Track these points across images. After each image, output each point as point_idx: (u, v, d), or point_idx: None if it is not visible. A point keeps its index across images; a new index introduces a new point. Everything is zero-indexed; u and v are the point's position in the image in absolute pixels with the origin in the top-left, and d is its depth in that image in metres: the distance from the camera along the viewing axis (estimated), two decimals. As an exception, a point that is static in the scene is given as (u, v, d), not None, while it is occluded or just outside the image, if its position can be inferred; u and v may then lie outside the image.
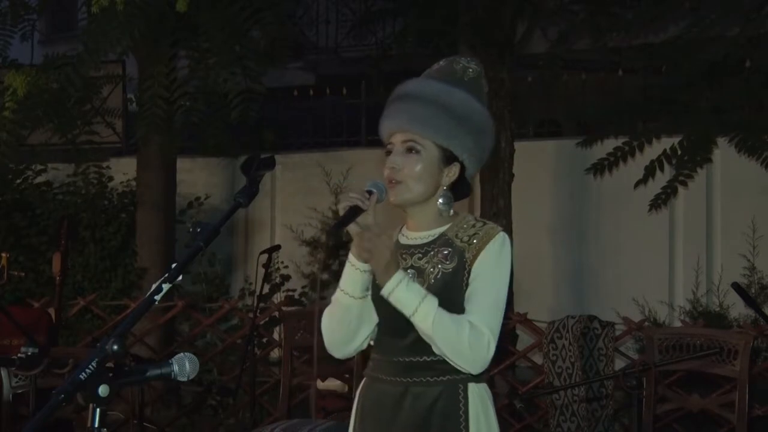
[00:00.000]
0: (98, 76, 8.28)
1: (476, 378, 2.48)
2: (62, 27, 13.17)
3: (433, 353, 2.43)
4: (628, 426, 6.32)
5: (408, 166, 2.47)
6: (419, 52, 9.71)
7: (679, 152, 7.50)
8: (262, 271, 6.10)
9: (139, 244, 8.12)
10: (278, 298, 8.23)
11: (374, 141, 10.13)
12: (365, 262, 2.44)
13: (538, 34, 8.30)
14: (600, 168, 7.75)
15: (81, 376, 1.88)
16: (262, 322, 6.92)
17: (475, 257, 2.45)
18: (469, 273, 2.45)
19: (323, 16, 12.06)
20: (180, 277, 2.09)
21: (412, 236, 2.56)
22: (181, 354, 2.06)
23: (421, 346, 2.44)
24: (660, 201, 7.57)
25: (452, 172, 2.51)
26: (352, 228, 2.42)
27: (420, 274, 2.48)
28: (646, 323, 6.96)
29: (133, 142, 8.82)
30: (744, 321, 7.32)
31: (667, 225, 8.23)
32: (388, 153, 2.52)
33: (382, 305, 2.51)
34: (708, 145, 7.55)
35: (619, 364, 6.58)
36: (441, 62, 2.63)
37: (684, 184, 7.53)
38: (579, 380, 5.80)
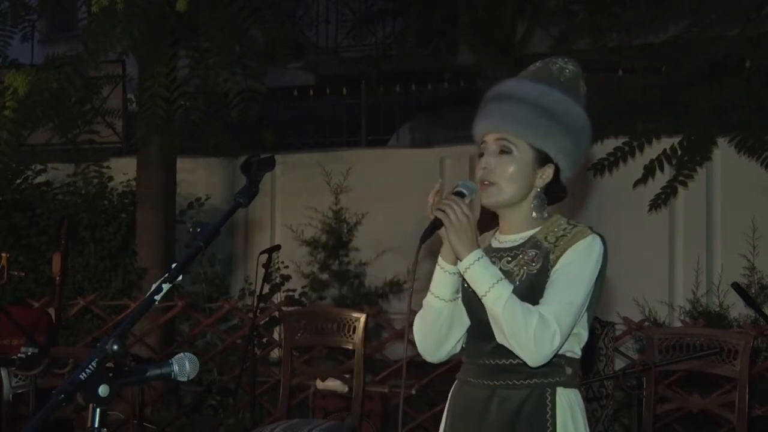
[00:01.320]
0: (98, 76, 8.28)
1: (566, 383, 2.44)
2: (62, 27, 13.17)
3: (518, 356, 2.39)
4: (628, 426, 6.32)
5: (501, 167, 2.43)
6: (419, 52, 9.72)
7: (679, 152, 7.50)
8: (262, 271, 6.10)
9: (139, 244, 8.12)
10: (278, 298, 8.23)
11: (374, 141, 10.13)
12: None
13: (538, 34, 8.29)
14: (600, 168, 7.75)
15: (81, 376, 1.88)
16: (262, 322, 6.92)
17: (558, 258, 2.40)
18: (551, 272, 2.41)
19: (323, 16, 12.06)
20: (180, 277, 2.09)
21: (504, 239, 2.52)
22: (181, 354, 2.06)
23: (507, 349, 2.39)
24: (660, 201, 7.57)
25: (546, 174, 2.46)
26: (442, 231, 2.39)
27: (508, 277, 2.41)
28: (646, 323, 6.95)
29: (133, 142, 8.82)
30: (744, 321, 7.32)
31: (667, 225, 8.22)
32: (481, 154, 2.48)
33: (471, 307, 2.49)
34: (708, 145, 7.55)
35: (619, 364, 6.57)
36: (537, 63, 2.59)
37: (684, 184, 7.53)
38: (579, 380, 5.79)
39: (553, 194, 2.51)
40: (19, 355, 4.11)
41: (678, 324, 7.47)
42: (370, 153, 9.29)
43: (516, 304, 2.32)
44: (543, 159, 2.45)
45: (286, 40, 8.16)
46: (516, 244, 2.49)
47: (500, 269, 2.43)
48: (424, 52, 9.59)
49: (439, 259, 2.47)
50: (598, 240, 2.42)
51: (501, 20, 7.63)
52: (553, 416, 2.41)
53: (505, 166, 2.43)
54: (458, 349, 2.57)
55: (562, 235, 2.43)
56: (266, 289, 7.01)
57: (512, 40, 7.76)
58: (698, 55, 7.33)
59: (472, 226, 2.36)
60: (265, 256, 6.07)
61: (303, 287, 8.49)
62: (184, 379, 2.05)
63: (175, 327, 8.11)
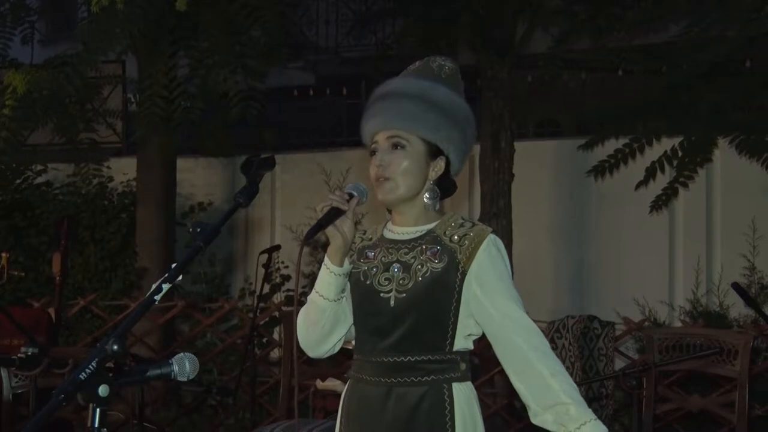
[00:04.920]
0: (98, 76, 8.28)
1: (461, 378, 2.47)
2: (62, 27, 13.16)
3: (417, 353, 2.43)
4: (628, 426, 6.32)
5: (395, 163, 2.47)
6: (419, 52, 9.71)
7: (680, 153, 7.49)
8: (262, 271, 6.10)
9: (139, 244, 8.12)
10: (278, 298, 8.23)
11: (374, 141, 9.88)
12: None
13: (538, 34, 8.28)
14: (601, 170, 7.73)
15: (81, 376, 1.88)
16: (262, 322, 6.92)
17: (469, 260, 2.44)
18: (463, 276, 2.44)
19: (323, 16, 12.05)
20: (180, 277, 2.09)
21: (399, 231, 2.55)
22: (181, 354, 2.06)
23: (406, 345, 2.43)
24: (660, 202, 7.55)
25: (438, 167, 2.50)
26: (330, 230, 2.42)
27: (406, 269, 2.46)
28: (646, 323, 6.96)
29: (133, 142, 8.82)
30: (744, 321, 7.32)
31: (667, 225, 8.23)
32: (372, 153, 2.52)
33: (365, 304, 2.50)
34: (708, 146, 7.54)
35: (619, 364, 6.57)
36: (416, 63, 2.63)
37: (685, 185, 7.52)
38: (579, 380, 5.78)
39: (444, 189, 2.54)
40: (19, 355, 4.10)
41: (678, 324, 7.47)
42: (370, 153, 9.29)
43: (571, 392, 2.65)
44: (435, 152, 2.49)
45: (287, 39, 8.16)
46: (413, 236, 2.52)
47: (398, 260, 2.48)
48: (424, 52, 9.58)
49: (326, 258, 2.49)
50: (498, 239, 2.50)
51: (501, 20, 7.62)
52: (452, 410, 2.44)
53: (399, 162, 2.47)
54: (338, 348, 2.59)
55: (465, 234, 2.47)
56: (266, 289, 7.02)
57: (512, 40, 7.75)
58: (698, 55, 7.32)
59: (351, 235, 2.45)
60: (265, 256, 6.07)
61: (303, 287, 8.47)
62: (184, 379, 2.05)
63: (175, 327, 8.11)
